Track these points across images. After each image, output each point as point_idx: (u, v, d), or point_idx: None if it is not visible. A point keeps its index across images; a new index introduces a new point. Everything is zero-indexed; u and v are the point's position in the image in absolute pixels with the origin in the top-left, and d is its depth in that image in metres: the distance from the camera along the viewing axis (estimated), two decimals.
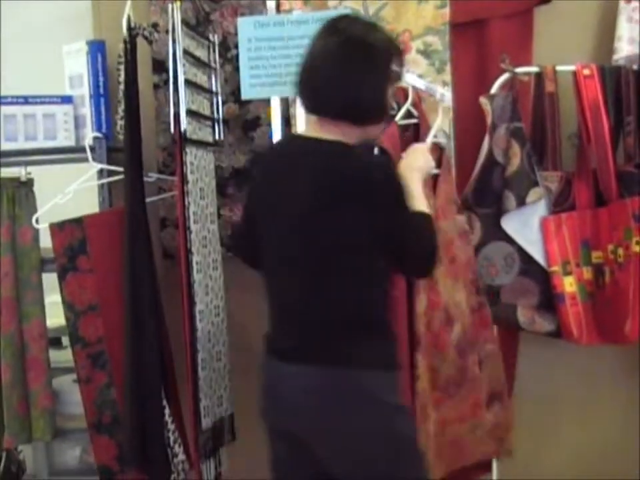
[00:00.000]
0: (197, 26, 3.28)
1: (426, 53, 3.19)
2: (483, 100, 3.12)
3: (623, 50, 3.19)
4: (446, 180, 2.86)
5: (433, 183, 2.81)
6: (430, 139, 2.72)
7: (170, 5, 2.73)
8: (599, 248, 3.12)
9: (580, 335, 3.10)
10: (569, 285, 3.09)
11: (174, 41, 2.74)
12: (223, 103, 3.25)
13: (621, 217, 3.04)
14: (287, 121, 3.01)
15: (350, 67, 2.19)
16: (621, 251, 3.05)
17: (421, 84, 2.83)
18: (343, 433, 2.21)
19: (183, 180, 2.77)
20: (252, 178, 2.47)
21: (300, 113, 2.57)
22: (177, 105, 2.75)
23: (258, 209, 2.36)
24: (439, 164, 2.78)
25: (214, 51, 3.16)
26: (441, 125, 2.87)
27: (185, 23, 2.83)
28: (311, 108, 2.27)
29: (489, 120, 3.09)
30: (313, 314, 2.25)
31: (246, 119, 3.44)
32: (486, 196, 3.13)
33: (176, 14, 2.73)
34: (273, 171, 2.32)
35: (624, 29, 3.20)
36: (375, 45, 2.22)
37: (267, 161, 2.42)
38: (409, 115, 2.80)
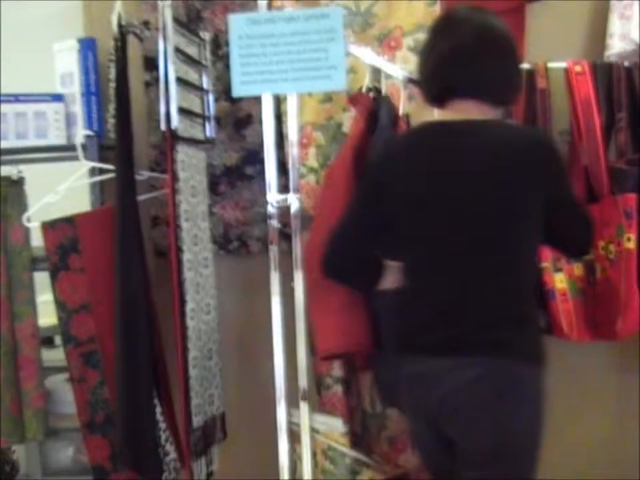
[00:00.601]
0: (188, 23, 3.27)
1: (416, 50, 3.18)
2: None
3: (615, 47, 3.19)
4: None
5: None
6: None
7: (160, 3, 2.72)
8: None
9: (570, 331, 3.10)
10: (559, 281, 3.08)
11: (164, 39, 2.74)
12: (215, 101, 3.25)
13: (613, 214, 3.03)
14: (279, 118, 3.00)
15: (506, 52, 2.30)
16: (612, 248, 3.05)
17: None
18: (504, 429, 2.18)
19: (174, 178, 2.76)
20: (380, 177, 2.34)
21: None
22: (167, 102, 2.74)
23: (404, 205, 2.29)
24: None
25: (205, 48, 3.16)
26: None
27: (175, 20, 2.82)
28: (469, 92, 2.29)
29: None
30: (483, 302, 2.21)
31: (238, 117, 3.43)
32: None
33: (166, 11, 2.73)
34: (423, 161, 2.29)
35: (616, 26, 3.20)
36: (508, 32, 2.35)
37: (409, 154, 2.33)
38: None
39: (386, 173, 2.31)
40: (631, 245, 3.00)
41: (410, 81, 2.67)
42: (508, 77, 2.32)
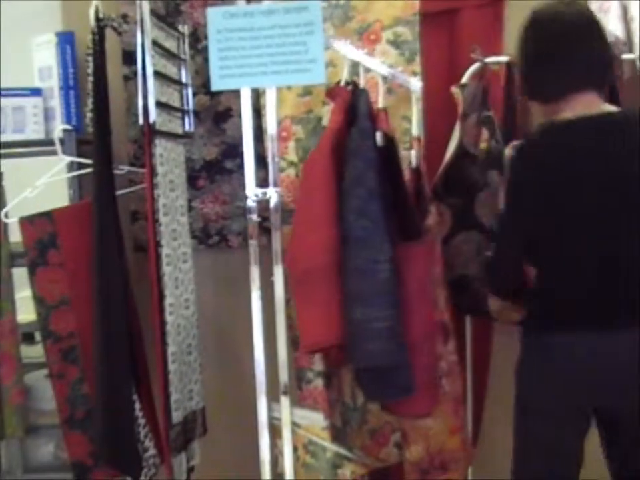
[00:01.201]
0: (167, 17, 3.25)
1: (396, 43, 3.18)
2: (455, 89, 3.11)
3: None
4: None
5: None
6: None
7: None
8: None
9: None
10: None
11: (142, 32, 2.72)
12: (194, 95, 3.24)
13: None
14: (258, 112, 2.99)
15: (604, 37, 2.42)
16: None
17: (394, 75, 2.83)
18: None
19: (152, 172, 2.75)
20: (536, 185, 2.40)
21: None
22: (145, 96, 2.73)
23: (565, 199, 2.35)
24: None
25: (183, 42, 3.14)
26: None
27: (153, 13, 2.81)
28: (588, 83, 2.38)
29: (460, 109, 3.09)
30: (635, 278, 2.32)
31: (217, 111, 3.42)
32: (456, 185, 3.13)
33: (144, 5, 2.71)
34: (575, 159, 2.34)
35: None
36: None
37: (558, 152, 2.38)
38: None
39: (542, 179, 2.36)
40: None
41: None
42: (610, 63, 2.47)
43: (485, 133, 3.05)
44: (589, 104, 2.38)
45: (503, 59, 3.13)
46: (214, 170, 3.44)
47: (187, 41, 3.16)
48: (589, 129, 2.36)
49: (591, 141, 2.35)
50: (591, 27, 2.39)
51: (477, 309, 3.11)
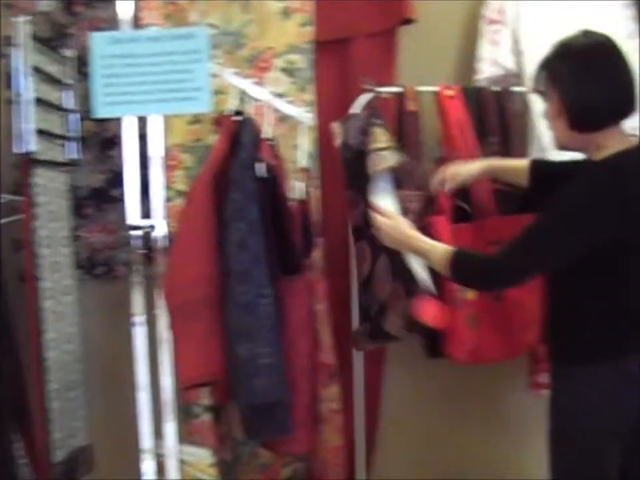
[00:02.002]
0: (53, 40, 3.15)
1: (289, 71, 3.15)
2: (335, 124, 3.04)
3: (485, 71, 3.21)
4: None
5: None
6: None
7: (17, 19, 2.61)
8: None
9: (461, 354, 3.04)
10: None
11: (22, 57, 2.63)
12: (81, 120, 3.14)
13: (503, 233, 2.95)
14: (142, 138, 2.91)
15: None
16: None
17: (280, 103, 2.78)
18: None
19: (31, 203, 2.65)
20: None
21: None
22: (23, 124, 2.63)
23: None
24: None
25: (68, 66, 3.05)
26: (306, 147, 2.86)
27: (36, 37, 2.71)
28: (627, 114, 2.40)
29: (336, 143, 3.02)
30: None
31: (104, 137, 3.33)
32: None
33: (24, 28, 2.62)
34: None
35: (485, 51, 3.23)
36: None
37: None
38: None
39: (627, 207, 2.33)
40: None
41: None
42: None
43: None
44: (622, 134, 2.42)
45: (395, 89, 3.10)
46: (101, 198, 3.34)
47: (72, 65, 3.06)
48: None
49: None
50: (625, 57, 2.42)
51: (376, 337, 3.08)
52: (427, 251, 2.55)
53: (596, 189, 2.34)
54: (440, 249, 2.53)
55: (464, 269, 2.50)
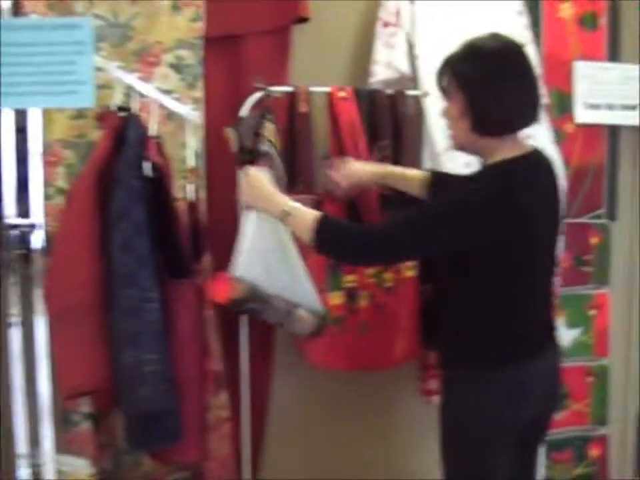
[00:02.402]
0: None
1: (178, 67, 3.04)
2: (228, 129, 2.94)
3: (379, 74, 3.18)
4: None
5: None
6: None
7: None
8: (354, 272, 3.03)
9: (318, 358, 3.03)
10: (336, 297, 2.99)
11: None
12: None
13: None
14: (21, 131, 2.77)
15: None
16: (388, 276, 3.02)
17: (166, 100, 2.69)
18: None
19: None
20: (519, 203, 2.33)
21: None
22: None
23: (534, 227, 2.36)
24: None
25: None
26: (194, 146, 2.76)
27: None
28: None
29: (233, 148, 2.91)
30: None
31: None
32: None
33: None
34: (540, 191, 2.41)
35: (380, 53, 3.19)
36: None
37: (532, 183, 2.38)
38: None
39: (511, 215, 2.31)
40: (412, 272, 3.02)
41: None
42: None
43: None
44: (517, 140, 2.42)
45: (286, 89, 3.03)
46: None
47: None
48: (542, 164, 2.47)
49: (545, 176, 2.46)
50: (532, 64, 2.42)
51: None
52: (291, 210, 2.46)
53: (486, 192, 2.32)
54: (306, 211, 2.45)
55: (332, 236, 2.42)
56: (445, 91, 2.44)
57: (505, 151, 2.38)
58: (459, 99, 2.37)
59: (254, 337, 3.03)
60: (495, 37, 2.40)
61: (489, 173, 2.40)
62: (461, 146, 2.48)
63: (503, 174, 2.35)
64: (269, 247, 2.64)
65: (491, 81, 2.33)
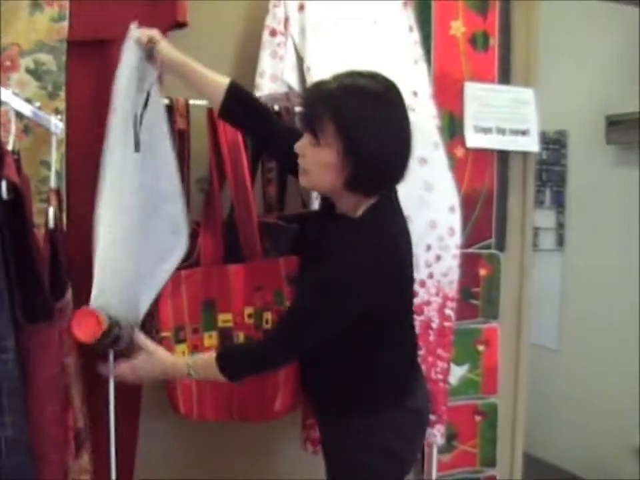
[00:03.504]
0: None
1: (37, 73, 2.65)
2: None
3: (265, 87, 2.89)
4: None
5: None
6: None
7: None
8: (230, 310, 2.72)
9: (189, 409, 2.73)
10: (180, 354, 2.64)
11: None
12: None
13: (269, 278, 2.71)
14: None
15: None
16: (269, 316, 2.74)
17: (28, 110, 2.32)
18: None
19: None
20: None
21: None
22: None
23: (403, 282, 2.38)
24: None
25: None
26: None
27: None
28: None
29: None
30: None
31: None
32: None
33: None
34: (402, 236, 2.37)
35: (267, 65, 2.91)
36: None
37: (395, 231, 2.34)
38: None
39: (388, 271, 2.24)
40: None
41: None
42: None
43: None
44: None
45: (164, 100, 2.70)
46: None
47: None
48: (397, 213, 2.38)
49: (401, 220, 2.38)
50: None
51: None
52: (191, 364, 2.38)
53: (360, 265, 2.18)
54: (203, 357, 2.43)
55: (236, 366, 2.37)
56: (314, 127, 2.17)
57: (368, 202, 2.24)
58: (336, 147, 2.12)
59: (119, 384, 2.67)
60: (374, 76, 2.18)
61: (363, 230, 2.24)
62: (318, 191, 2.37)
63: (381, 229, 2.25)
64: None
65: (377, 130, 2.12)
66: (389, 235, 2.26)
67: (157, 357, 2.40)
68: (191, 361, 2.39)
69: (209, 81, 2.50)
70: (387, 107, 2.14)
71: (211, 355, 2.34)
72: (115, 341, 2.39)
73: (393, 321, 2.36)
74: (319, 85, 2.20)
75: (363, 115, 2.09)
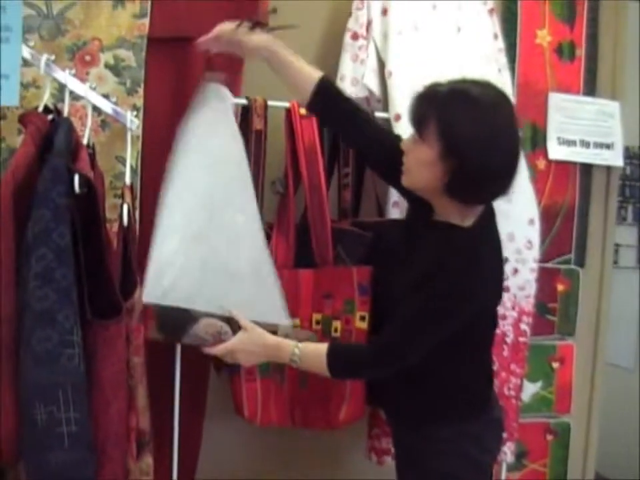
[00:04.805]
0: None
1: (116, 69, 2.67)
2: None
3: (346, 91, 2.83)
4: None
5: None
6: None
7: None
8: (298, 315, 2.68)
9: (253, 413, 2.70)
10: None
11: None
12: None
13: (341, 285, 2.67)
14: None
15: None
16: (337, 325, 2.69)
17: (105, 105, 2.32)
18: None
19: None
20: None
21: None
22: None
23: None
24: None
25: None
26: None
27: None
28: None
29: None
30: None
31: None
32: None
33: None
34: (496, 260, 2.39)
35: (348, 68, 2.90)
36: None
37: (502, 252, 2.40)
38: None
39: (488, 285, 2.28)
40: (364, 324, 2.69)
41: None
42: None
43: None
44: None
45: (240, 101, 2.69)
46: None
47: None
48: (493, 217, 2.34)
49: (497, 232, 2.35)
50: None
51: None
52: (300, 355, 2.33)
53: (475, 261, 2.20)
54: (313, 351, 2.36)
55: (346, 367, 2.38)
56: (418, 124, 2.19)
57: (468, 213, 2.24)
58: (436, 147, 2.13)
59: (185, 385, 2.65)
60: (487, 86, 2.18)
61: (470, 239, 2.24)
62: (417, 191, 2.28)
63: (485, 238, 2.27)
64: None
65: (479, 138, 2.09)
66: (497, 248, 2.30)
67: (258, 334, 2.36)
68: (301, 345, 2.34)
69: (302, 71, 2.47)
70: (493, 117, 2.12)
71: (322, 348, 2.33)
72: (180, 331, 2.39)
73: (484, 332, 2.39)
74: (432, 86, 2.19)
75: (466, 120, 2.09)
